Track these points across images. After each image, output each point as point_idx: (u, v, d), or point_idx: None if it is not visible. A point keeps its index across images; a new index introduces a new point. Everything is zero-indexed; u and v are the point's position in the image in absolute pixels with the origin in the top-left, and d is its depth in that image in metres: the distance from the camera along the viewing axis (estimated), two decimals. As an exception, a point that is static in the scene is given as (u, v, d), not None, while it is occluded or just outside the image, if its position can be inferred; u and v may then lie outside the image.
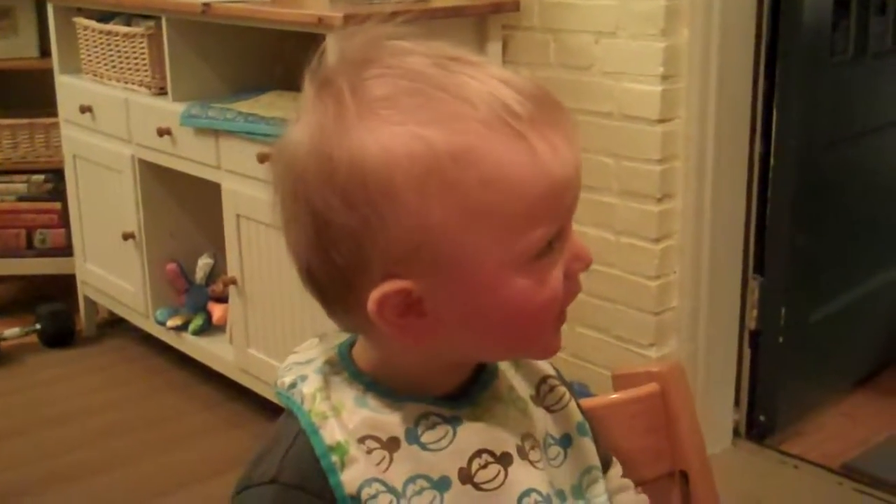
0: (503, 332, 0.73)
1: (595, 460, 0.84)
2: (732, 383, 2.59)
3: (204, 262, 2.90)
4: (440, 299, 0.71)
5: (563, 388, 0.85)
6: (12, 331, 3.24)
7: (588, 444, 0.84)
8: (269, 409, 2.62)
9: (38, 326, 3.25)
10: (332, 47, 0.73)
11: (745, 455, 2.57)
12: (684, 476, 1.01)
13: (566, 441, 0.83)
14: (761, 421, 2.62)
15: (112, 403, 2.91)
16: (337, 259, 0.70)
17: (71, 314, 3.31)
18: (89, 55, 3.04)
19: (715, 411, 2.54)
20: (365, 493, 0.72)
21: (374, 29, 0.73)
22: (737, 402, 2.61)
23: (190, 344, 2.90)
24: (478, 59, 0.72)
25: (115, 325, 3.35)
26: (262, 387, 2.61)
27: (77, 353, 3.24)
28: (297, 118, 0.72)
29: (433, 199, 0.68)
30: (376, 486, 0.72)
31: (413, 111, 0.68)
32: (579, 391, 0.92)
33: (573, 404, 0.85)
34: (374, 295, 0.70)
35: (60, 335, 3.27)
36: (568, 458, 0.82)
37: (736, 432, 2.62)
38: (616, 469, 0.92)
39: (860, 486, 2.43)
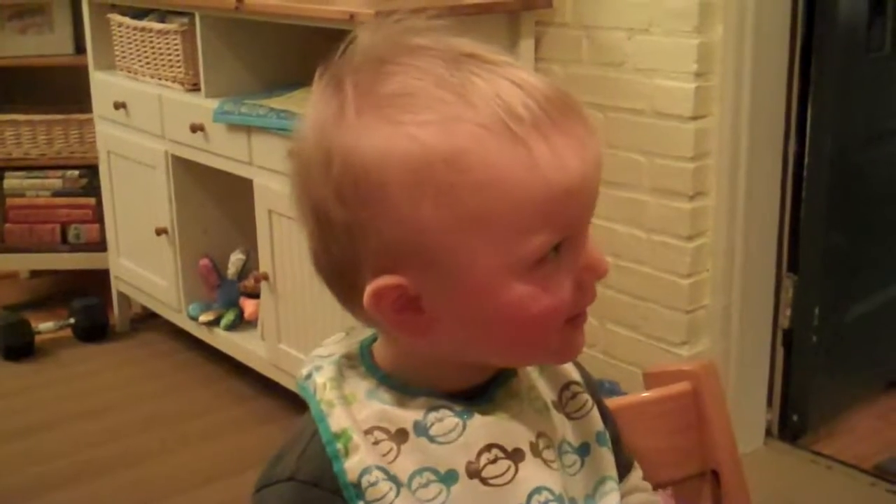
0: (504, 336, 0.71)
1: (611, 470, 0.82)
2: (765, 383, 2.57)
3: (236, 258, 2.92)
4: (438, 297, 0.70)
5: (585, 396, 0.84)
6: (46, 325, 3.27)
7: (606, 454, 0.82)
8: (299, 405, 2.61)
9: (71, 320, 3.28)
10: (350, 46, 0.73)
11: (778, 455, 2.56)
12: (716, 476, 1.01)
13: (584, 450, 0.82)
14: (794, 421, 2.60)
15: (144, 397, 2.93)
16: (335, 251, 0.71)
17: (104, 309, 3.33)
18: (123, 52, 3.06)
19: (747, 411, 2.52)
20: (365, 481, 0.71)
21: (396, 24, 0.72)
22: (769, 402, 2.59)
23: (222, 339, 2.92)
24: (496, 57, 0.70)
25: (147, 320, 3.38)
26: (292, 382, 2.61)
27: (110, 348, 3.27)
28: (306, 112, 0.72)
29: (424, 201, 0.67)
30: (377, 474, 0.71)
31: (411, 111, 0.67)
32: (610, 389, 0.92)
33: (595, 413, 0.83)
34: (370, 288, 0.70)
35: (94, 329, 3.29)
36: (584, 466, 0.81)
37: (768, 432, 2.60)
38: (637, 472, 0.91)
39: (893, 486, 2.41)
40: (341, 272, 0.73)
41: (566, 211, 0.69)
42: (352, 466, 0.72)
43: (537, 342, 0.73)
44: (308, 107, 0.72)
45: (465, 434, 0.74)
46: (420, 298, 0.71)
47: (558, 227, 0.69)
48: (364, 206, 0.68)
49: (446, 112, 0.67)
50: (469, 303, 0.70)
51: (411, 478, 0.73)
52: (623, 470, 0.88)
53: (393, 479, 0.72)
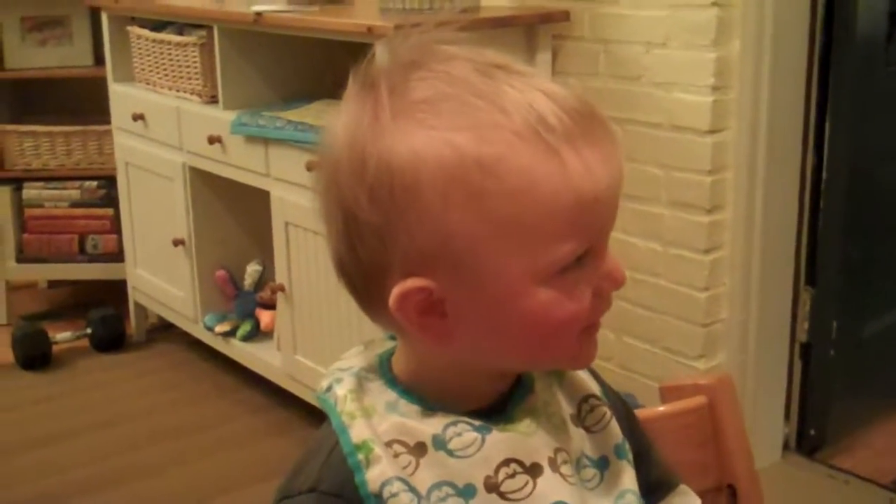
0: (524, 341, 0.72)
1: (630, 483, 0.81)
2: (782, 396, 2.56)
3: (252, 269, 2.93)
4: (461, 302, 0.71)
5: (604, 409, 0.83)
6: (64, 335, 3.29)
7: (625, 467, 0.82)
8: (315, 416, 2.63)
9: (89, 331, 3.30)
10: (381, 52, 0.73)
11: (795, 469, 2.54)
12: (732, 490, 1.00)
13: (603, 463, 0.81)
14: (812, 435, 2.58)
15: (160, 407, 2.94)
16: (362, 253, 0.72)
17: (121, 319, 3.35)
18: (142, 64, 3.07)
19: (765, 424, 2.51)
20: (386, 491, 0.71)
21: (426, 34, 0.73)
22: (787, 416, 2.58)
23: (238, 350, 2.92)
24: (525, 69, 0.72)
25: (164, 331, 3.39)
26: (308, 393, 2.62)
27: (127, 358, 3.28)
28: (338, 114, 0.73)
29: (456, 205, 0.68)
30: (398, 485, 0.72)
31: (447, 116, 0.69)
32: (627, 402, 0.91)
33: (613, 424, 0.83)
34: (396, 290, 0.71)
35: (111, 340, 3.30)
36: (604, 480, 0.81)
37: (786, 446, 2.59)
38: (684, 498, 0.89)
39: (912, 503, 2.39)
40: (367, 275, 0.73)
41: (593, 220, 0.70)
42: (373, 477, 0.72)
43: (555, 348, 0.74)
44: (341, 108, 0.73)
45: (483, 449, 0.74)
46: (444, 302, 0.71)
47: (585, 236, 0.70)
48: (396, 208, 0.69)
49: (481, 119, 0.68)
50: (493, 308, 0.71)
51: (430, 491, 0.73)
52: (659, 488, 0.87)
53: (414, 491, 0.72)
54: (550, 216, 0.68)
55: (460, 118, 0.68)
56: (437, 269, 0.70)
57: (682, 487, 0.90)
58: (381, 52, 0.73)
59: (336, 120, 0.73)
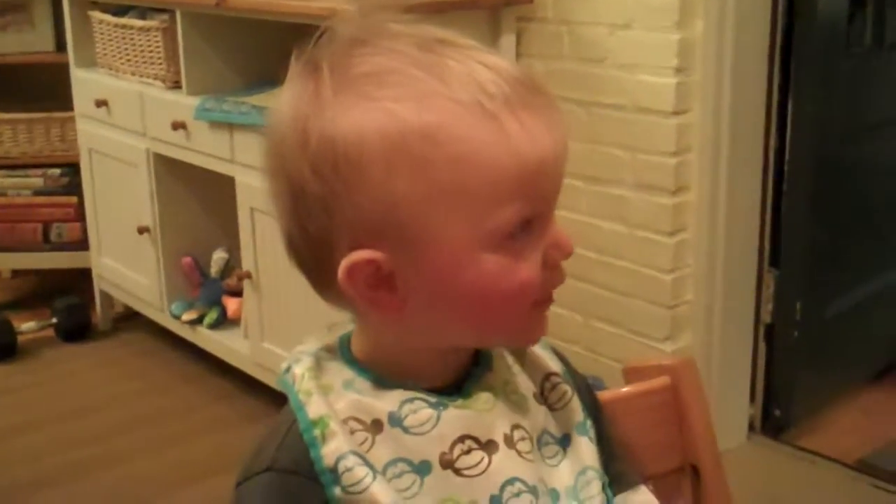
0: (474, 312, 0.73)
1: (592, 461, 0.82)
2: (747, 378, 2.58)
3: (219, 256, 2.91)
4: (410, 273, 0.72)
5: (565, 387, 0.84)
6: (29, 325, 3.26)
7: (586, 444, 0.83)
8: (283, 403, 2.61)
9: (54, 320, 3.27)
10: (324, 33, 0.74)
11: (760, 450, 2.56)
12: (695, 471, 1.01)
13: (565, 441, 0.82)
14: (776, 416, 2.60)
15: (127, 396, 2.92)
16: (311, 229, 0.73)
17: (87, 308, 3.32)
18: (104, 49, 3.04)
19: (729, 406, 2.53)
20: (342, 466, 0.72)
21: (371, 13, 0.74)
22: (752, 397, 2.60)
23: (205, 337, 2.91)
24: (468, 42, 0.73)
25: (130, 319, 3.36)
26: (276, 380, 2.61)
27: (93, 347, 3.26)
28: (282, 94, 0.74)
29: (399, 173, 0.69)
30: (353, 460, 0.72)
31: (389, 88, 0.70)
32: (594, 385, 0.91)
33: (574, 402, 0.84)
34: (344, 263, 0.72)
35: (76, 329, 3.28)
36: (566, 457, 0.81)
37: (751, 427, 2.61)
38: (642, 496, 0.88)
39: (876, 481, 2.41)
40: (316, 251, 0.74)
41: (536, 185, 0.71)
42: (329, 452, 0.73)
43: (505, 321, 0.74)
44: (284, 89, 0.74)
45: (439, 425, 0.75)
46: (394, 275, 0.72)
47: (529, 202, 0.71)
48: (340, 179, 0.70)
49: (421, 88, 0.69)
50: (442, 277, 0.72)
51: (386, 468, 0.74)
52: (618, 482, 0.86)
53: (369, 465, 0.73)
54: (492, 181, 0.69)
55: (401, 89, 0.70)
56: (384, 239, 0.71)
57: (642, 488, 0.89)
58: (325, 34, 0.74)
59: (280, 99, 0.74)
